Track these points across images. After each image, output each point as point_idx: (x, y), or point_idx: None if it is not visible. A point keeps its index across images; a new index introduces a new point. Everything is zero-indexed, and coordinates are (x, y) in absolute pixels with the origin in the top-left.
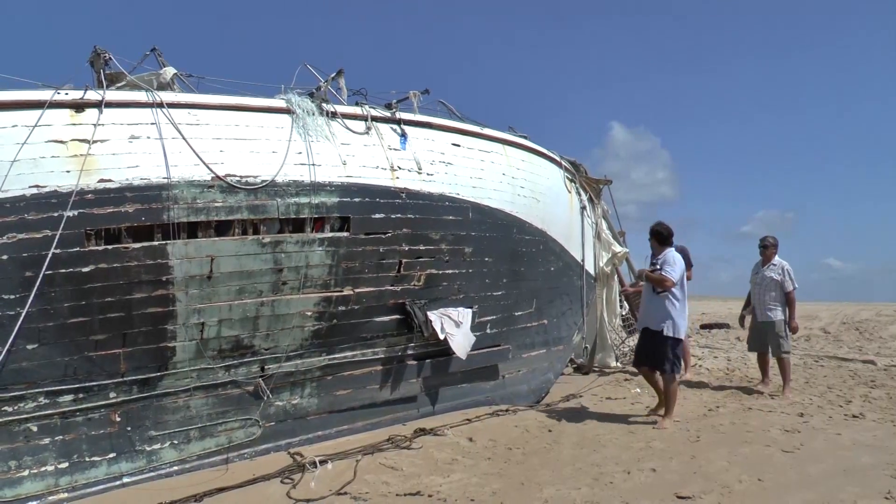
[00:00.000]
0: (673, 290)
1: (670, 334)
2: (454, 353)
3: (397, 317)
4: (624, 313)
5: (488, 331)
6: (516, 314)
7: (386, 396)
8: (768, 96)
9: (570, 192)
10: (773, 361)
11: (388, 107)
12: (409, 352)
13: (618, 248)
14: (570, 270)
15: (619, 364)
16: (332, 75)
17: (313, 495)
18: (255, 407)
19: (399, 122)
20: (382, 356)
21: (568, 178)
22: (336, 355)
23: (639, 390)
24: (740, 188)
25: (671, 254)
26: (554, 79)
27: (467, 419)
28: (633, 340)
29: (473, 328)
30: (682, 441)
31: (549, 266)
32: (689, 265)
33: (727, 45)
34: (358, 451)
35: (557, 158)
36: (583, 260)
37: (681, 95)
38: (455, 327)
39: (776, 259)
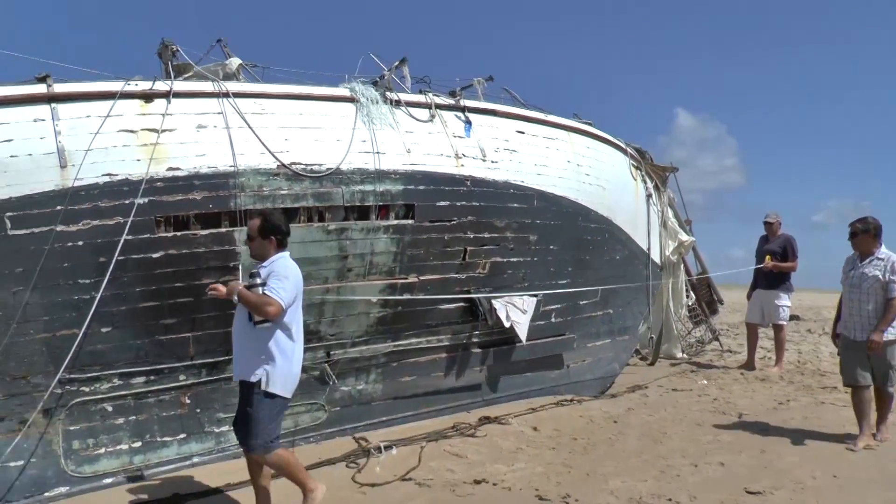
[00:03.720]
0: (283, 320)
1: (267, 388)
2: (520, 342)
3: (462, 304)
4: (690, 303)
5: (553, 319)
6: (581, 303)
7: (450, 384)
8: (838, 81)
9: (635, 179)
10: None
11: (453, 94)
12: (474, 339)
13: (684, 237)
14: (635, 259)
15: (685, 355)
16: (396, 63)
17: (378, 480)
18: (321, 392)
19: (463, 109)
20: (447, 343)
21: (633, 165)
22: (401, 342)
23: (705, 382)
24: (811, 176)
25: (281, 261)
26: (618, 65)
27: (532, 408)
28: (699, 332)
29: (538, 317)
30: (750, 435)
31: (614, 255)
32: (793, 255)
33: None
34: (422, 437)
35: (622, 145)
36: (649, 249)
37: (748, 80)
38: (521, 315)
39: (882, 251)
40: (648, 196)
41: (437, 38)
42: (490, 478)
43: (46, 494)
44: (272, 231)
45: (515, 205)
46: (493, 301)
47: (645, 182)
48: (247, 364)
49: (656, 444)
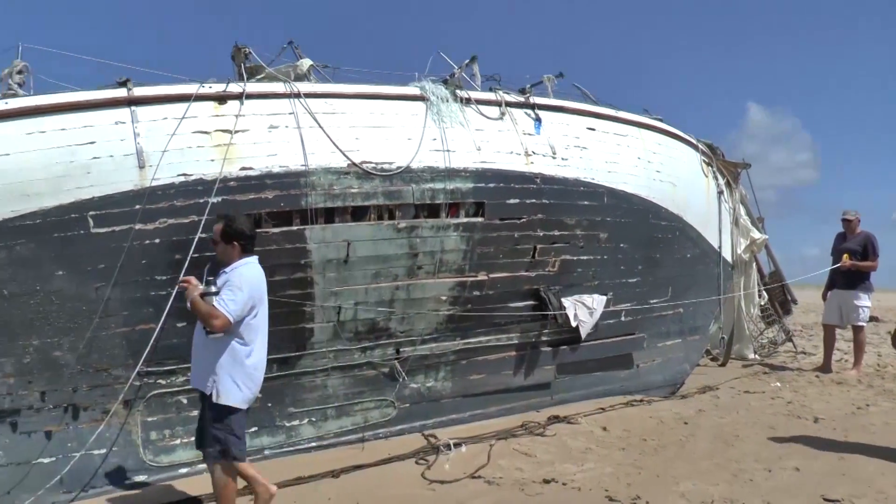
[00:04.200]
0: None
1: (218, 401)
2: (588, 341)
3: (531, 303)
4: (763, 303)
5: (623, 318)
6: (651, 302)
7: (519, 382)
8: None
9: (706, 176)
10: None
11: (522, 91)
12: (544, 338)
13: (756, 235)
14: (706, 257)
15: (757, 356)
16: (466, 62)
17: (447, 477)
18: (391, 388)
19: (533, 106)
20: (516, 342)
21: (704, 161)
22: (470, 340)
23: (778, 384)
24: (891, 172)
25: (240, 269)
26: (687, 59)
27: (601, 408)
28: (772, 332)
29: (608, 315)
30: (827, 440)
31: (685, 252)
32: (874, 254)
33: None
34: (491, 435)
35: (693, 141)
36: (720, 247)
37: (823, 72)
38: (588, 315)
39: None
40: (720, 193)
41: (507, 36)
42: (559, 477)
43: (127, 482)
44: (234, 236)
45: (585, 202)
46: (563, 299)
47: (716, 179)
48: (202, 373)
49: (728, 447)
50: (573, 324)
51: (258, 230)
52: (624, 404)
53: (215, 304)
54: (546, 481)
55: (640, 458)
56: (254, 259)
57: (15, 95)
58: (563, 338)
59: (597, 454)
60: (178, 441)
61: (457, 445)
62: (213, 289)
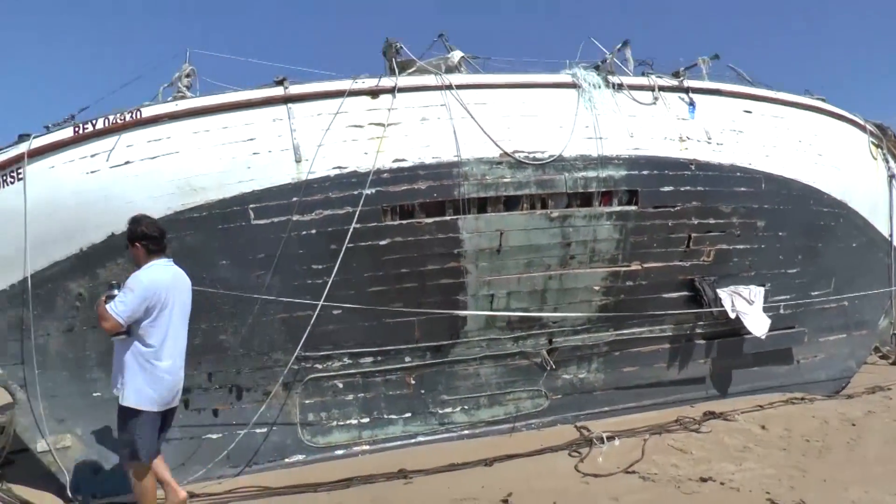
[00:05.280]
0: (139, 333)
1: (124, 403)
2: (745, 334)
3: (686, 293)
4: None
5: (781, 311)
6: (812, 294)
7: (673, 376)
8: None
9: (875, 158)
10: None
11: (676, 75)
12: (698, 331)
13: None
14: (875, 247)
15: None
16: (618, 46)
17: (601, 471)
18: (543, 379)
19: (687, 90)
20: (670, 334)
21: (873, 143)
22: (623, 331)
23: None
24: None
25: (139, 272)
26: (853, 32)
27: (759, 405)
28: None
29: (765, 308)
30: None
31: (850, 241)
32: None
33: None
34: (645, 429)
35: (860, 122)
36: (891, 235)
37: None
38: (747, 305)
39: None
40: (891, 177)
41: (662, 18)
42: (717, 476)
43: (286, 460)
44: (136, 237)
45: (742, 189)
46: (719, 290)
47: (887, 162)
48: (114, 375)
49: None
50: (731, 315)
51: (412, 220)
52: (783, 402)
53: (107, 306)
54: (703, 479)
55: (803, 460)
56: (161, 262)
57: (183, 97)
58: (719, 330)
59: (756, 454)
60: (334, 423)
61: (610, 439)
62: (115, 292)
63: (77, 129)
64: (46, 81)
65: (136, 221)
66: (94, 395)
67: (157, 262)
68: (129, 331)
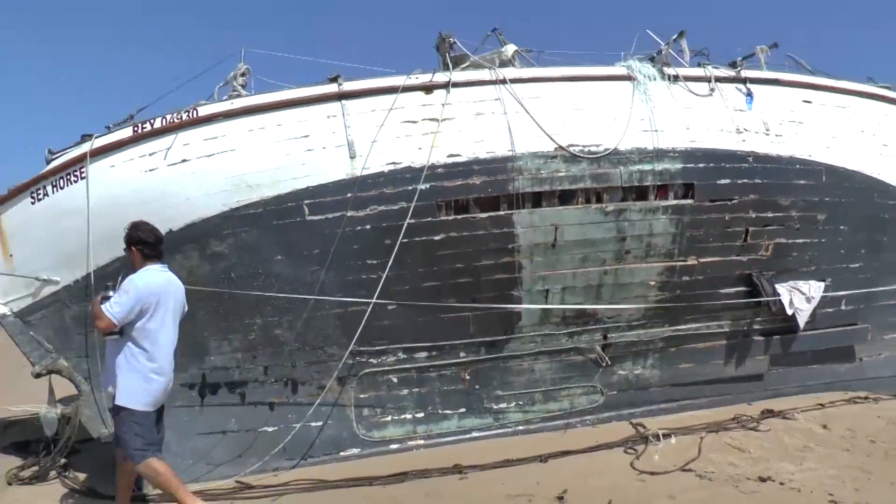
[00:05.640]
0: (132, 334)
1: (117, 402)
2: (805, 331)
3: (743, 289)
4: None
5: (843, 307)
6: (877, 290)
7: (730, 373)
8: None
9: None
10: None
11: (733, 65)
12: (756, 327)
13: None
14: None
15: None
16: (674, 37)
17: (657, 468)
18: (598, 375)
19: (745, 80)
20: (727, 330)
21: None
22: (679, 327)
23: None
24: None
25: (134, 275)
26: None
27: (820, 404)
28: None
29: (826, 304)
30: None
31: None
32: None
33: None
34: (701, 427)
35: None
36: None
37: None
38: (805, 302)
39: None
40: None
41: (719, 6)
42: (776, 476)
43: (342, 454)
44: (133, 241)
45: (802, 181)
46: (777, 285)
47: None
48: (106, 375)
49: None
50: (789, 311)
51: (466, 215)
52: (845, 401)
53: (102, 306)
54: (762, 479)
55: (868, 462)
56: (156, 266)
57: (239, 96)
58: (777, 327)
59: (817, 454)
60: (388, 418)
61: (666, 436)
62: (110, 293)
63: (136, 128)
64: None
65: (135, 227)
66: None
67: (153, 267)
68: (123, 332)
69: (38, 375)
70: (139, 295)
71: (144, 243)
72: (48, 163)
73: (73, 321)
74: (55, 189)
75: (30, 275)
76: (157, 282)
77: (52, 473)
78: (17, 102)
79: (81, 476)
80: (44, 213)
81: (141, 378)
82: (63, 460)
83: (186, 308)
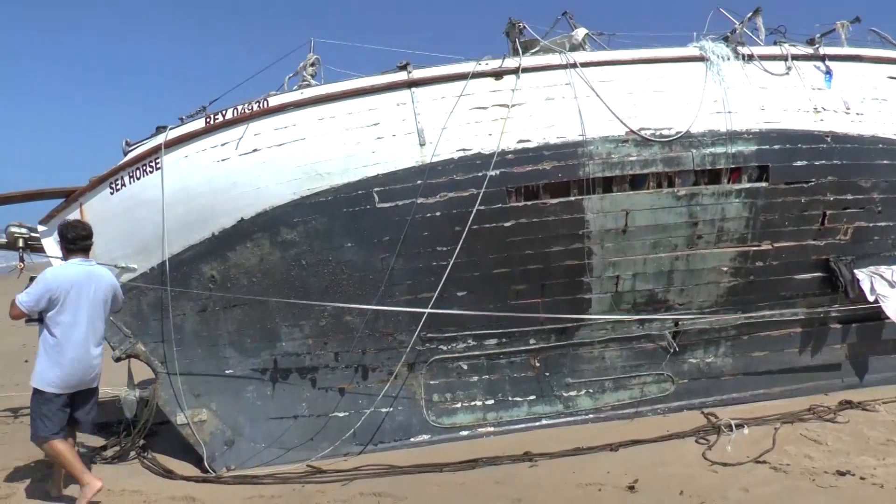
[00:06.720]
0: (45, 322)
1: (31, 383)
2: (887, 318)
3: (820, 274)
4: None
5: None
6: None
7: (806, 362)
8: None
9: None
10: None
11: (811, 42)
12: (833, 314)
13: None
14: None
15: None
16: (749, 15)
17: (730, 460)
18: (669, 363)
19: (823, 58)
20: (802, 317)
21: None
22: (753, 314)
23: None
24: None
25: (50, 268)
26: None
27: None
28: None
29: None
30: None
31: None
32: None
33: None
34: (776, 418)
35: None
36: None
37: None
38: (888, 288)
39: None
40: None
41: None
42: (856, 470)
43: (412, 440)
44: (59, 238)
45: (885, 161)
46: (857, 271)
47: None
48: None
49: None
50: (870, 298)
51: (536, 201)
52: None
53: (15, 296)
54: (840, 473)
55: None
56: (76, 260)
57: (308, 85)
58: (857, 314)
59: None
60: (458, 405)
61: (739, 426)
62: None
63: (208, 119)
64: (181, 76)
65: (63, 224)
66: (227, 371)
67: (73, 261)
68: (41, 319)
69: (117, 359)
70: (47, 285)
71: (63, 239)
72: (125, 154)
73: (149, 307)
74: (132, 179)
75: (109, 262)
76: (69, 274)
77: (132, 454)
78: (100, 96)
79: (160, 457)
80: (121, 203)
81: (51, 362)
82: (142, 441)
83: (123, 298)
